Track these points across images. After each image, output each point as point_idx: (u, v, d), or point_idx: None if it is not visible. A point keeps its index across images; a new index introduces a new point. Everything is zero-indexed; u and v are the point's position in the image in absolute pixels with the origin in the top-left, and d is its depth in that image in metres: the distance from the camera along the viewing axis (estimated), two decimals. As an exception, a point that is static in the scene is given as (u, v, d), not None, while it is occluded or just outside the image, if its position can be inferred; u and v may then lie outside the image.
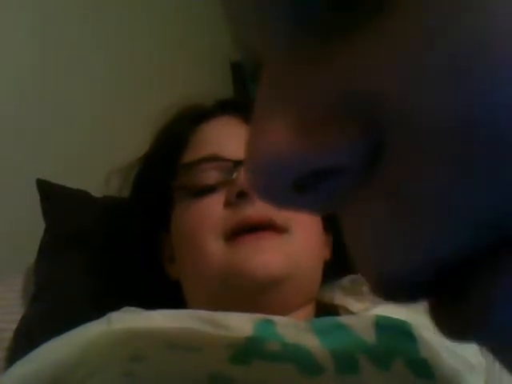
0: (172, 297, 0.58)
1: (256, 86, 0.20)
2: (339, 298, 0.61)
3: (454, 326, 0.16)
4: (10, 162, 0.94)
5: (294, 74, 0.17)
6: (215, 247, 0.54)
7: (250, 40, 0.19)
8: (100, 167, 0.68)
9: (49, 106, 1.01)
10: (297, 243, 0.54)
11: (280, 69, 0.17)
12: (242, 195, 0.54)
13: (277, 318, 0.46)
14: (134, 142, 0.68)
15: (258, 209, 0.53)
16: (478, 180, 0.14)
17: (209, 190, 0.57)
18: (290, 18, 0.17)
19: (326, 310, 0.59)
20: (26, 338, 0.62)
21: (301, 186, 0.17)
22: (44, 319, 0.65)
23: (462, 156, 0.14)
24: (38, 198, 0.76)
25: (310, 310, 0.57)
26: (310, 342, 0.43)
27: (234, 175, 0.56)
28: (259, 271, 0.50)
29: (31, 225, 0.76)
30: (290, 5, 0.16)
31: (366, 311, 0.53)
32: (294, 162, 0.16)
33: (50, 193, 0.76)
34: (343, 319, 0.47)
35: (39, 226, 0.75)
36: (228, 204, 0.55)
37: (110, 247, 0.69)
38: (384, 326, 0.45)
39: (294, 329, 0.45)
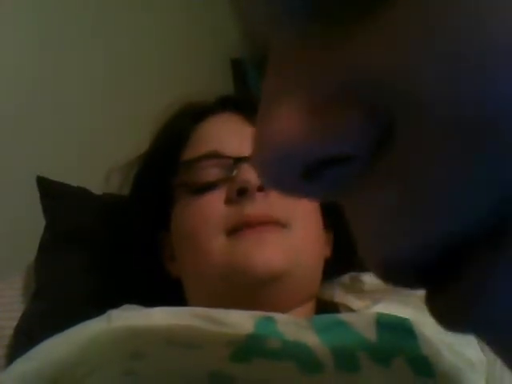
0: (172, 295, 0.58)
1: (258, 78, 0.20)
2: (339, 296, 0.61)
3: (451, 310, 0.16)
4: (10, 159, 0.93)
5: (302, 61, 0.17)
6: (216, 243, 0.54)
7: (256, 28, 0.19)
8: (100, 165, 0.68)
9: (49, 103, 1.00)
10: (297, 239, 0.54)
11: (288, 56, 0.17)
12: (242, 192, 0.54)
13: (277, 316, 0.46)
14: (134, 139, 0.68)
15: (259, 206, 0.53)
16: (489, 165, 0.14)
17: (209, 187, 0.57)
18: (300, 4, 0.17)
19: (326, 307, 0.59)
20: (26, 336, 0.62)
21: (308, 174, 0.17)
22: (44, 317, 0.65)
23: (473, 142, 0.14)
24: (38, 195, 0.76)
25: (310, 307, 0.57)
26: (311, 339, 0.43)
27: (235, 172, 0.56)
28: (260, 267, 0.50)
29: (31, 222, 0.76)
30: None
31: (366, 309, 0.53)
32: (303, 148, 0.16)
33: (50, 190, 0.76)
34: (344, 316, 0.47)
35: (39, 223, 0.75)
36: (229, 201, 0.55)
37: (110, 245, 0.69)
38: (385, 324, 0.45)
39: (294, 326, 0.45)
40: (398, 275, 0.17)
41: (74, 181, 0.79)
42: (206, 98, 0.68)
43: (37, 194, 0.76)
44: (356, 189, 0.17)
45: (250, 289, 0.51)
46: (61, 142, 0.99)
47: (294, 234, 0.54)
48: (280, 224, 0.53)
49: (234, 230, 0.53)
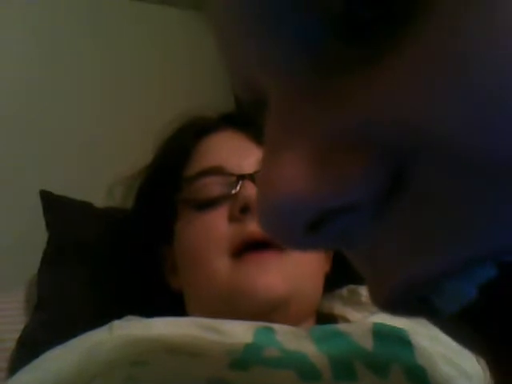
0: (173, 308, 0.59)
1: (256, 119, 0.20)
2: (338, 308, 0.61)
3: None
4: (12, 172, 0.94)
5: (304, 109, 0.16)
6: (220, 264, 0.54)
7: (252, 74, 0.18)
8: (103, 178, 0.69)
9: (51, 117, 1.01)
10: (297, 261, 0.54)
11: (290, 101, 0.16)
12: (245, 210, 0.54)
13: (276, 326, 0.47)
14: (136, 153, 0.68)
15: None
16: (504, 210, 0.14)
17: (212, 203, 0.57)
18: (300, 48, 0.16)
19: (325, 319, 0.59)
20: (28, 348, 0.63)
21: (313, 226, 0.16)
22: (46, 329, 0.65)
23: (501, 182, 0.14)
24: (41, 208, 0.77)
25: (310, 322, 0.57)
26: (309, 348, 0.43)
27: (237, 189, 0.56)
28: (262, 295, 0.50)
29: (34, 236, 0.76)
30: (299, 35, 0.16)
31: (363, 319, 0.53)
32: (309, 202, 0.15)
33: (52, 204, 0.77)
34: (341, 327, 0.48)
35: (42, 236, 0.76)
36: (232, 219, 0.55)
37: (112, 258, 0.69)
38: (381, 333, 0.45)
39: (292, 336, 0.45)
40: (406, 307, 0.17)
41: (76, 194, 0.80)
42: (208, 112, 0.69)
43: (40, 208, 0.77)
44: (361, 235, 0.17)
45: (252, 311, 0.51)
46: (63, 156, 1.00)
47: (294, 256, 0.54)
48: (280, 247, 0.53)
49: (238, 252, 0.53)
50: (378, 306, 0.18)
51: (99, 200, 0.76)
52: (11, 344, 0.66)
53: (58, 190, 0.79)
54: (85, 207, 0.78)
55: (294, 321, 0.54)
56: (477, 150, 0.13)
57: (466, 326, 0.18)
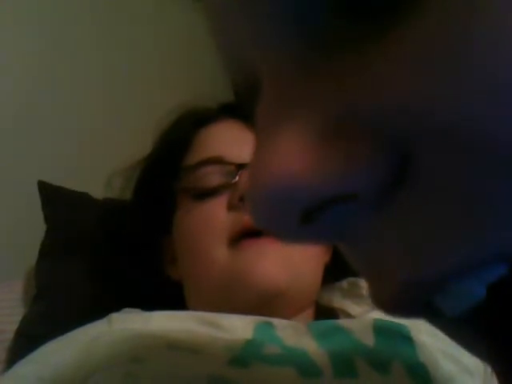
0: (172, 299, 0.58)
1: (248, 105, 0.19)
2: (338, 301, 0.61)
3: None
4: (10, 163, 0.94)
5: (301, 88, 0.15)
6: (219, 252, 0.54)
7: (245, 55, 0.17)
8: (101, 169, 0.68)
9: (49, 107, 1.01)
10: (297, 248, 0.54)
11: (284, 83, 0.15)
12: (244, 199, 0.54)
13: (276, 321, 0.47)
14: (135, 143, 0.68)
15: None
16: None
17: (211, 192, 0.57)
18: (294, 26, 0.15)
19: (325, 312, 0.59)
20: (27, 340, 0.63)
21: (308, 216, 0.15)
22: (44, 320, 0.65)
23: (501, 170, 0.13)
24: (39, 199, 0.76)
25: (309, 313, 0.57)
26: (309, 344, 0.43)
27: (237, 178, 0.56)
28: (260, 282, 0.50)
29: (32, 227, 0.76)
30: (294, 11, 0.15)
31: (364, 314, 0.53)
32: (305, 189, 0.14)
33: (51, 195, 0.77)
34: (342, 322, 0.48)
35: (40, 227, 0.75)
36: (231, 207, 0.55)
37: (111, 249, 0.69)
38: (382, 329, 0.45)
39: (292, 331, 0.45)
40: (405, 306, 0.16)
41: (74, 185, 0.79)
42: (207, 103, 0.69)
43: (38, 199, 0.76)
44: (359, 227, 0.16)
45: (251, 300, 0.51)
46: (61, 147, 0.99)
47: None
48: None
49: (237, 240, 0.53)
50: (378, 306, 0.17)
51: (97, 191, 0.76)
52: (10, 335, 0.66)
53: (56, 180, 0.79)
54: (83, 198, 0.78)
55: (293, 310, 0.54)
56: (481, 138, 0.13)
57: (470, 328, 0.17)
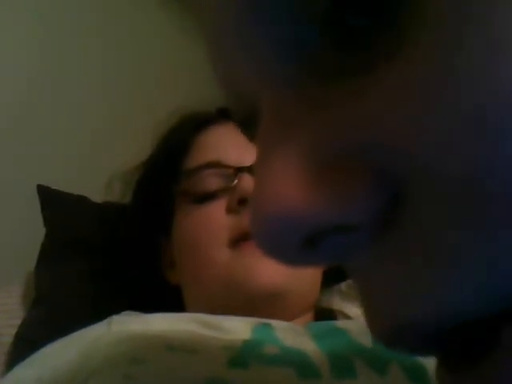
0: (171, 302, 0.58)
1: (247, 134, 0.19)
2: (337, 303, 0.61)
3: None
4: (10, 167, 0.94)
5: (300, 116, 0.15)
6: (218, 256, 0.54)
7: (244, 85, 0.17)
8: (100, 173, 0.69)
9: (48, 110, 1.01)
10: None
11: (283, 111, 0.15)
12: (243, 202, 0.54)
13: (275, 322, 0.47)
14: (134, 147, 0.68)
15: None
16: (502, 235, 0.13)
17: (210, 196, 0.57)
18: (293, 53, 0.15)
19: (324, 314, 0.59)
20: (26, 343, 0.62)
21: (308, 243, 0.15)
22: (44, 324, 0.65)
23: (488, 209, 0.13)
24: (39, 203, 0.76)
25: (309, 316, 0.57)
26: (308, 345, 0.43)
27: (235, 182, 0.56)
28: (261, 283, 0.51)
29: (32, 231, 0.76)
30: (290, 41, 0.15)
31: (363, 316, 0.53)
32: (305, 220, 0.14)
33: (50, 199, 0.77)
34: (340, 323, 0.48)
35: (40, 231, 0.75)
36: (230, 211, 0.55)
37: (110, 252, 0.69)
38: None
39: (291, 332, 0.45)
40: (405, 341, 0.16)
41: (74, 189, 0.79)
42: (206, 106, 0.69)
43: (37, 203, 0.76)
44: (360, 255, 0.16)
45: (250, 301, 0.51)
46: (61, 150, 0.99)
47: None
48: None
49: (236, 242, 0.53)
50: (374, 336, 0.17)
51: (96, 195, 0.76)
52: (9, 339, 0.66)
53: (55, 184, 0.79)
54: (82, 202, 0.78)
55: (293, 313, 0.54)
56: (468, 179, 0.13)
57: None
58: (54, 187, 0.78)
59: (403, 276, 0.15)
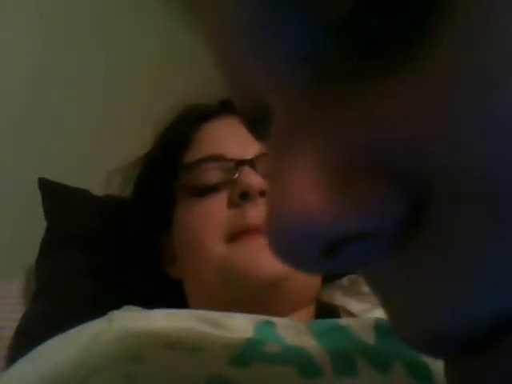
0: (172, 297, 0.58)
1: (256, 134, 0.19)
2: (339, 298, 0.61)
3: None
4: (11, 160, 0.94)
5: (315, 120, 0.15)
6: (217, 250, 0.54)
7: (254, 84, 0.16)
8: (101, 166, 0.68)
9: (50, 104, 1.01)
10: None
11: (297, 115, 0.15)
12: (244, 196, 0.54)
13: (277, 320, 0.47)
14: (135, 140, 0.68)
15: (261, 209, 0.53)
16: None
17: (211, 189, 0.57)
18: (301, 58, 0.14)
19: (326, 310, 0.59)
20: (27, 337, 0.63)
21: (328, 251, 0.15)
22: (45, 318, 0.65)
23: None
24: (40, 197, 0.76)
25: (310, 310, 0.57)
26: (310, 343, 0.43)
27: (236, 175, 0.56)
28: (261, 271, 0.51)
29: (32, 224, 0.76)
30: (305, 43, 0.14)
31: (366, 312, 0.53)
32: (325, 229, 0.14)
33: (51, 192, 0.77)
34: (342, 321, 0.47)
35: (40, 224, 0.75)
36: (231, 204, 0.55)
37: (111, 246, 0.69)
38: (383, 328, 0.45)
39: (293, 330, 0.45)
40: (444, 348, 0.16)
41: (75, 182, 0.79)
42: (207, 99, 0.69)
43: (38, 196, 0.76)
44: (379, 262, 0.15)
45: (250, 292, 0.51)
46: (62, 143, 0.99)
47: None
48: None
49: (237, 235, 0.53)
50: (405, 342, 0.17)
51: (98, 188, 0.75)
52: (9, 332, 0.66)
53: (56, 178, 0.79)
54: (84, 195, 0.78)
55: (293, 305, 0.54)
56: (497, 189, 0.12)
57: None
58: (55, 180, 0.78)
59: (427, 286, 0.14)
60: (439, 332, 0.15)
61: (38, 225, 0.75)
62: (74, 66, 1.04)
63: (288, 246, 0.15)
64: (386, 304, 0.17)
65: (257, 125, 0.18)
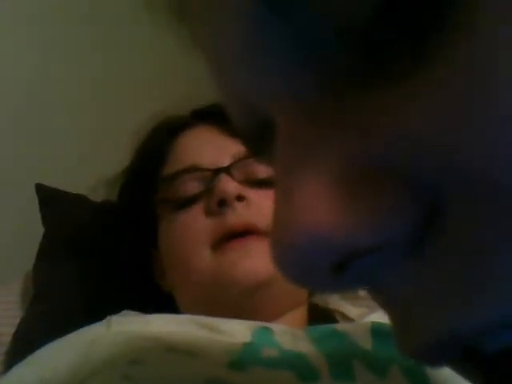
0: (166, 308, 0.58)
1: (256, 150, 0.18)
2: (334, 302, 0.61)
3: None
4: (9, 166, 0.94)
5: (320, 132, 0.14)
6: (202, 259, 0.54)
7: (256, 98, 0.16)
8: (100, 172, 0.68)
9: (47, 110, 1.01)
10: None
11: (301, 127, 0.14)
12: (222, 203, 0.54)
13: (274, 326, 0.47)
14: (132, 145, 0.68)
15: (241, 215, 0.53)
16: None
17: (190, 201, 0.57)
18: (306, 67, 0.14)
19: (321, 314, 0.59)
20: (25, 342, 0.62)
21: (338, 267, 0.14)
22: (42, 323, 0.65)
23: None
24: (37, 202, 0.76)
25: (301, 313, 0.57)
26: (307, 348, 0.43)
27: (213, 184, 0.56)
28: (244, 276, 0.51)
29: (30, 229, 0.76)
30: (312, 54, 0.14)
31: (362, 317, 0.53)
32: (339, 240, 0.13)
33: (48, 197, 0.77)
34: (339, 326, 0.48)
35: (38, 230, 0.75)
36: (210, 213, 0.55)
37: (108, 251, 0.69)
38: (380, 333, 0.45)
39: (291, 336, 0.45)
40: (447, 357, 0.15)
41: (72, 188, 0.79)
42: (181, 110, 0.68)
43: (36, 201, 0.76)
44: (389, 273, 0.15)
45: (237, 298, 0.51)
46: (59, 149, 0.99)
47: None
48: (264, 233, 0.53)
49: (219, 243, 0.53)
50: (406, 354, 0.16)
51: (96, 194, 0.75)
52: (7, 338, 0.66)
53: (54, 183, 0.79)
54: (81, 201, 0.78)
55: (280, 307, 0.54)
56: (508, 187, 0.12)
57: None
58: (52, 186, 0.78)
59: (445, 291, 0.14)
60: (453, 334, 0.14)
61: (37, 229, 0.75)
62: (73, 71, 1.04)
63: (298, 263, 0.14)
64: (389, 313, 0.16)
65: (255, 141, 0.18)
